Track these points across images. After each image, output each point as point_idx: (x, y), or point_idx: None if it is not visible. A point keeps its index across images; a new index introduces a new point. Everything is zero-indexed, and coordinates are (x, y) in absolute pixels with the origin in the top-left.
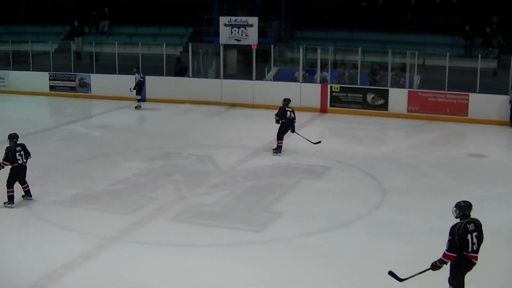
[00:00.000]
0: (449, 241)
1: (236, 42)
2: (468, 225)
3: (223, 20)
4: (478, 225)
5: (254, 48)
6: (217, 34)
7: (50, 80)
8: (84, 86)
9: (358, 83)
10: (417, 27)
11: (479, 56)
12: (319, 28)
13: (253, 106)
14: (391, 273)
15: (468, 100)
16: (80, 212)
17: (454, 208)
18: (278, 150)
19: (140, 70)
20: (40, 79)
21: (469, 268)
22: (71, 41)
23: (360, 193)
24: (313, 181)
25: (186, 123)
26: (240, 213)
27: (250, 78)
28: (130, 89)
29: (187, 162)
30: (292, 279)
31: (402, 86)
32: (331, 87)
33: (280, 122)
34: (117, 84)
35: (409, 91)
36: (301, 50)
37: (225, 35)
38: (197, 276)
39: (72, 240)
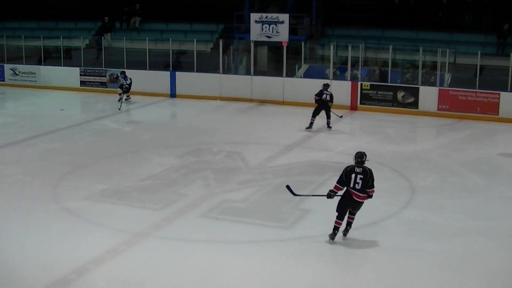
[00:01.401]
0: (339, 176)
1: (266, 39)
2: (356, 168)
3: (254, 17)
4: (366, 172)
5: (284, 45)
6: (248, 31)
7: (80, 75)
8: (115, 81)
9: (389, 81)
10: (449, 25)
11: (511, 54)
12: (350, 25)
13: (283, 103)
14: (288, 187)
15: (499, 99)
16: (110, 208)
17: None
18: (309, 126)
19: (126, 74)
20: (71, 75)
21: (351, 202)
22: (102, 37)
23: (390, 191)
24: None
25: (216, 120)
26: (269, 210)
27: (281, 75)
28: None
29: (217, 159)
30: (321, 278)
31: (432, 84)
32: (361, 84)
33: (316, 101)
34: (147, 80)
35: (439, 89)
36: (331, 47)
37: (256, 32)
38: (224, 273)
39: (101, 236)
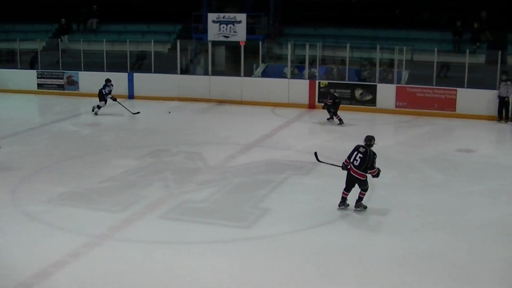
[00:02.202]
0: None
1: (224, 39)
2: (361, 148)
3: (212, 17)
4: (366, 153)
5: (242, 44)
6: (205, 31)
7: (38, 78)
8: (72, 83)
9: (346, 79)
10: (406, 22)
11: (467, 51)
12: (307, 24)
13: (241, 102)
14: (315, 154)
15: (456, 95)
16: (70, 211)
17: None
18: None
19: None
20: (28, 77)
21: (350, 176)
22: (59, 39)
23: None
24: (302, 177)
25: (175, 120)
26: (229, 210)
27: (239, 75)
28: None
29: (176, 159)
30: (282, 276)
31: (390, 81)
32: (319, 83)
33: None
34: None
35: (397, 86)
36: (289, 46)
37: (214, 32)
38: (186, 273)
39: (62, 239)
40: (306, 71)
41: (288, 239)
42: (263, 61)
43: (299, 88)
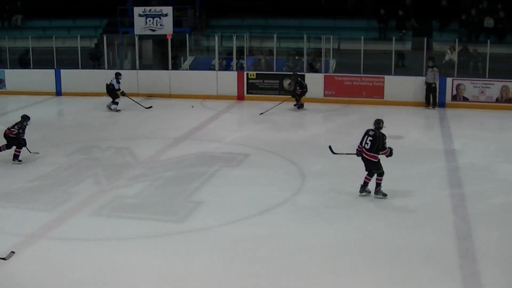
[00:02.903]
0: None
1: (151, 32)
2: (371, 131)
3: (138, 10)
4: (376, 136)
5: (169, 37)
6: (132, 25)
7: None
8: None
9: (274, 69)
10: (331, 12)
11: (393, 39)
12: (234, 15)
13: (170, 96)
14: (329, 147)
15: (384, 82)
16: None
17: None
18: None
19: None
20: None
21: (364, 159)
22: None
23: (281, 179)
24: (233, 168)
25: (104, 116)
26: (161, 204)
27: (166, 68)
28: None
29: (106, 155)
30: (215, 269)
31: (318, 71)
32: (247, 74)
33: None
34: (31, 78)
35: (325, 75)
36: (216, 38)
37: (140, 26)
38: (120, 269)
39: None
40: (234, 63)
41: (221, 231)
42: (190, 54)
43: (228, 80)
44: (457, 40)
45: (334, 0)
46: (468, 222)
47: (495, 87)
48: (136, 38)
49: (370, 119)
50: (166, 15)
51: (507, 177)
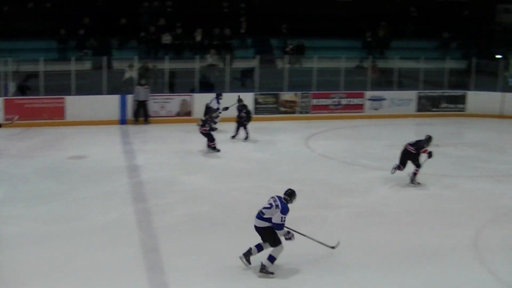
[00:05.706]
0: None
1: None
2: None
3: None
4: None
5: None
6: None
7: None
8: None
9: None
10: (9, 34)
11: (72, 59)
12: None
13: None
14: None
15: (64, 103)
16: None
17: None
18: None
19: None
20: None
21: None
22: None
23: None
24: None
25: None
26: None
27: None
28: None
29: None
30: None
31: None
32: None
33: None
34: None
35: (5, 99)
36: None
37: None
38: None
39: None
40: None
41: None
42: None
43: None
44: (136, 57)
45: (11, 21)
46: (153, 236)
47: (175, 102)
48: None
49: (52, 141)
50: None
51: (188, 189)
